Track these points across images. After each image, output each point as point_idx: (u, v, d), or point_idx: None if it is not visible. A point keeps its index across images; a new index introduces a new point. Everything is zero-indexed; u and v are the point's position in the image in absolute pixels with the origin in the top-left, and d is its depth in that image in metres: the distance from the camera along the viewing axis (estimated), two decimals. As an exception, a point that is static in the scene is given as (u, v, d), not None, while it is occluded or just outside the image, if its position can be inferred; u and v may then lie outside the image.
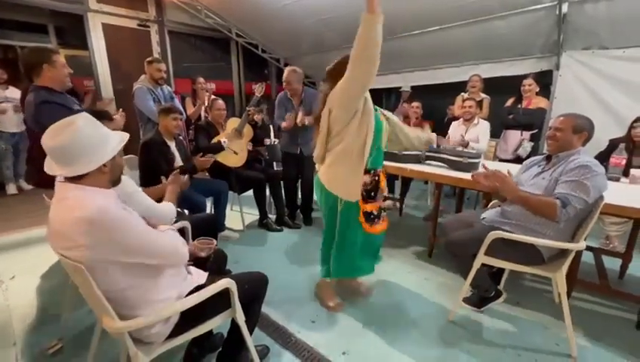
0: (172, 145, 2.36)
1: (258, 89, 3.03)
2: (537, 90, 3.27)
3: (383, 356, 1.57)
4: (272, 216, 3.19)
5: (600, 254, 2.23)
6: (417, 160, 2.52)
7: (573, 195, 1.45)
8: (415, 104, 3.68)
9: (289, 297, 2.01)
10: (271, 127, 4.02)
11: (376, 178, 1.69)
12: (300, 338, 1.68)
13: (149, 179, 2.11)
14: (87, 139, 0.94)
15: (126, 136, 1.07)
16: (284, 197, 3.22)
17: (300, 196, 3.26)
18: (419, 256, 2.54)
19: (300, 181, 3.19)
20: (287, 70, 2.81)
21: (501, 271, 2.01)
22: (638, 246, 2.48)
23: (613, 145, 2.53)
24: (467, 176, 2.05)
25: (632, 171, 2.10)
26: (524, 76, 3.42)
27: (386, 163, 2.52)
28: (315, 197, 2.10)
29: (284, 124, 2.86)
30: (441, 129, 3.59)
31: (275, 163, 3.64)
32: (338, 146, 1.62)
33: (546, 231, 1.59)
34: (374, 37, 1.27)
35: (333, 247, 1.81)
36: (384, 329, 1.74)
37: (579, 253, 1.84)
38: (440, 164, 2.45)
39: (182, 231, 1.66)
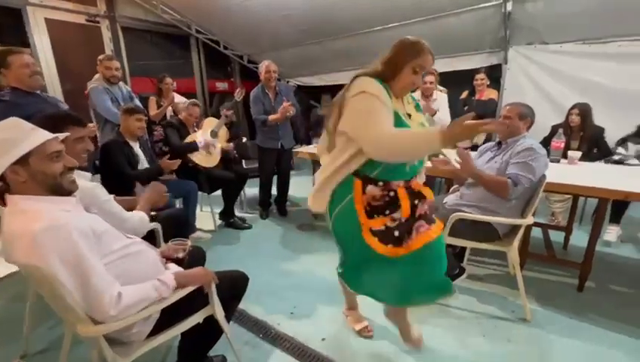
0: (135, 146, 2.27)
1: (238, 94, 3.07)
2: (488, 83, 3.54)
3: (360, 338, 1.65)
4: (248, 215, 3.18)
5: (547, 229, 2.49)
6: None
7: (521, 175, 1.62)
8: None
9: (267, 291, 2.03)
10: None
11: (391, 193, 1.21)
12: (280, 330, 1.72)
13: (112, 183, 2.01)
14: None
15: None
16: (259, 193, 3.23)
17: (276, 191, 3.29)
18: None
19: (276, 175, 3.22)
20: (267, 62, 2.90)
21: (463, 249, 2.18)
22: (578, 220, 2.81)
23: (554, 130, 2.82)
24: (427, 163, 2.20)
25: (570, 153, 2.36)
26: (477, 70, 3.68)
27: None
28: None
29: (274, 117, 2.87)
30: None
31: (244, 161, 3.61)
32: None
33: (500, 210, 1.75)
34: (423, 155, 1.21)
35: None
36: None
37: (529, 229, 2.05)
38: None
39: (152, 234, 1.62)
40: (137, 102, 2.98)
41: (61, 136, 1.02)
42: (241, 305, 1.48)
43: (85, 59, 3.82)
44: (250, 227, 3.03)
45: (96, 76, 2.79)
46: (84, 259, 0.90)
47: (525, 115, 1.76)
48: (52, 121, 1.29)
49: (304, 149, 3.15)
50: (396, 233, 1.20)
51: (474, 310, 1.85)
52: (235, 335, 1.48)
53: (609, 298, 1.95)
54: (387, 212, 1.21)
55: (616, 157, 2.48)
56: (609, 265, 2.30)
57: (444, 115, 3.07)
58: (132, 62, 4.74)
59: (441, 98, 3.19)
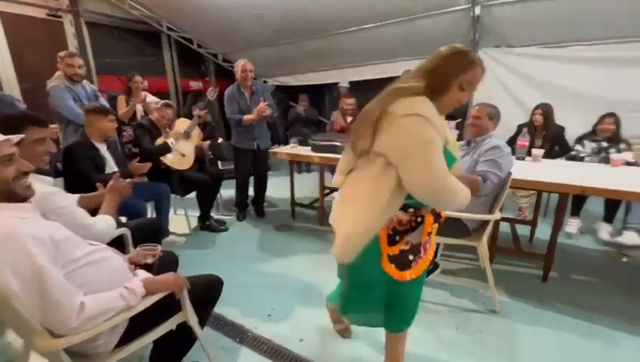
0: (102, 148, 2.16)
1: (211, 93, 3.05)
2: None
3: (339, 338, 1.66)
4: (225, 217, 3.12)
5: (514, 223, 2.61)
6: (335, 151, 2.62)
7: (490, 172, 1.70)
8: (349, 100, 3.85)
9: (244, 294, 2.00)
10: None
11: (419, 219, 1.11)
12: (257, 333, 1.70)
13: (76, 188, 1.90)
14: None
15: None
16: (236, 194, 3.18)
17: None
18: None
19: (253, 176, 3.18)
20: (243, 61, 2.85)
21: (437, 246, 2.24)
22: (542, 214, 2.97)
23: (519, 129, 2.96)
24: None
25: (534, 151, 2.49)
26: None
27: (332, 155, 2.68)
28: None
29: (249, 117, 2.82)
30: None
31: (219, 162, 3.54)
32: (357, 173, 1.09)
33: (470, 206, 1.81)
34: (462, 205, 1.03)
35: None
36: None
37: (497, 224, 2.15)
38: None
39: (121, 239, 1.55)
40: (103, 101, 2.85)
41: (14, 138, 0.95)
42: (217, 309, 1.45)
43: (47, 55, 3.59)
44: (226, 229, 2.97)
45: (57, 74, 2.63)
46: (40, 269, 0.84)
47: (494, 115, 1.85)
48: (7, 122, 1.21)
49: (281, 150, 3.13)
50: (410, 256, 1.12)
51: (448, 304, 1.91)
52: (210, 341, 1.45)
53: (570, 286, 2.08)
54: (405, 236, 1.11)
55: (573, 154, 2.64)
56: (570, 255, 2.45)
57: None
58: (99, 60, 4.52)
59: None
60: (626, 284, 2.10)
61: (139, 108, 3.15)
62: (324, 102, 6.27)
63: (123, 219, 2.09)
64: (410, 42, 4.19)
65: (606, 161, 2.45)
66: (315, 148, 2.79)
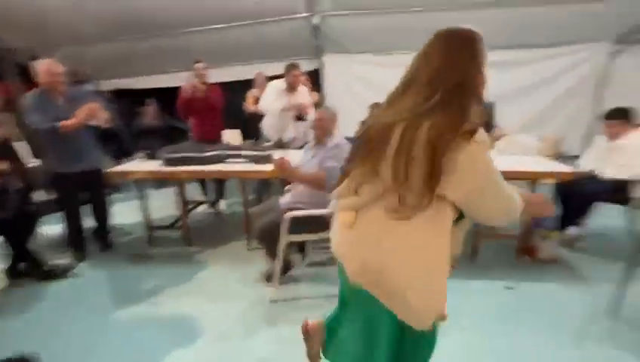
0: None
1: None
2: (311, 86, 3.95)
3: (236, 348, 1.53)
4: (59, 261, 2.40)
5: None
6: (218, 160, 2.51)
7: (334, 166, 1.88)
8: None
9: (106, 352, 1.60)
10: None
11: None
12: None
13: None
14: None
15: None
16: (66, 231, 2.51)
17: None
18: (239, 252, 2.61)
19: (90, 202, 2.58)
20: (48, 62, 2.23)
21: (305, 243, 2.37)
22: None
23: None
24: (268, 167, 2.31)
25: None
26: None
27: (188, 168, 2.43)
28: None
29: (69, 122, 2.18)
30: (245, 125, 3.81)
31: (34, 192, 2.72)
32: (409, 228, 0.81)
33: (325, 201, 1.97)
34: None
35: None
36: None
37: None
38: (241, 160, 2.55)
39: None
40: None
41: None
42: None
43: None
44: (63, 276, 2.30)
45: None
46: None
47: (333, 118, 2.06)
48: None
49: (124, 168, 2.65)
50: None
51: (320, 294, 2.03)
52: None
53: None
54: None
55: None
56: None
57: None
58: None
59: (304, 89, 3.23)
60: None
61: None
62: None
63: None
64: (260, 45, 4.25)
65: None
66: (169, 162, 2.48)
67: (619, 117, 2.41)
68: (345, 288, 1.01)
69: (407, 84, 0.83)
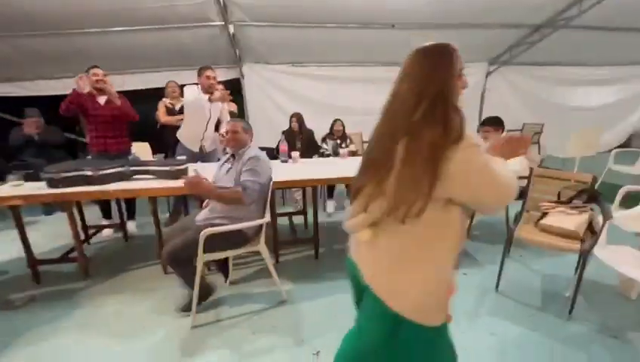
0: None
1: None
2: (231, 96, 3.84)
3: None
4: None
5: (291, 216, 3.04)
6: (121, 177, 2.25)
7: (249, 180, 1.84)
8: None
9: None
10: None
11: None
12: None
13: None
14: None
15: None
16: None
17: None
18: (154, 278, 2.36)
19: None
20: None
21: (227, 261, 2.25)
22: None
23: (283, 136, 3.46)
24: (179, 183, 2.11)
25: (292, 154, 2.97)
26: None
27: (81, 188, 2.11)
28: None
29: None
30: (154, 135, 3.49)
31: None
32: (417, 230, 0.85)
33: (244, 215, 1.92)
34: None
35: None
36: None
37: (275, 222, 2.41)
38: (148, 176, 2.32)
39: None
40: None
41: None
42: None
43: None
44: None
45: None
46: None
47: (247, 128, 2.01)
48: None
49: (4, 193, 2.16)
50: None
51: (242, 312, 1.96)
52: None
53: (334, 256, 2.63)
54: None
55: (322, 151, 3.36)
56: (332, 230, 3.11)
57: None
58: None
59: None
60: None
61: None
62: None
63: None
64: (172, 52, 3.98)
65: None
66: (54, 183, 2.11)
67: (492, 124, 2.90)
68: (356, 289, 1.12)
69: (394, 96, 0.88)
